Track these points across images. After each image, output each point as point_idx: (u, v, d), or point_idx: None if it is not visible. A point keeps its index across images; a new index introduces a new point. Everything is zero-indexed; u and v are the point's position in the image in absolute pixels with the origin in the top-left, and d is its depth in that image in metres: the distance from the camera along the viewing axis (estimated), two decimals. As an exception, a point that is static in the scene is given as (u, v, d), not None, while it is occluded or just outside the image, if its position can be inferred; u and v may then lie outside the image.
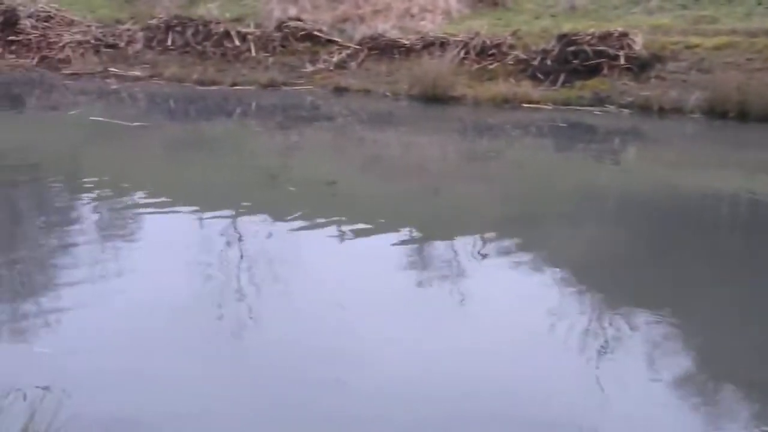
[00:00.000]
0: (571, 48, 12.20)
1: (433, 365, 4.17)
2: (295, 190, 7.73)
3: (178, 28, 14.45)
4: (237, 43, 14.13)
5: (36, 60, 14.76)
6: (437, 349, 4.35)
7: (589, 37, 12.18)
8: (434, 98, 12.05)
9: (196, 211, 7.04)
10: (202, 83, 13.46)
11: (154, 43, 14.50)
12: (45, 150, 9.49)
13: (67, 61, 14.52)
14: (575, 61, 12.11)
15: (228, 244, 6.17)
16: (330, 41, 14.02)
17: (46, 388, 3.28)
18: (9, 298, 5.06)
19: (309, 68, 13.58)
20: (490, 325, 4.70)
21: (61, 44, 14.73)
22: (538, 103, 11.73)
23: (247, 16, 14.92)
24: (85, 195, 7.45)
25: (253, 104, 12.57)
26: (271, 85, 13.31)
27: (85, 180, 7.97)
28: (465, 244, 6.17)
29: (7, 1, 15.40)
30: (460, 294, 5.23)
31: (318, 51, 13.91)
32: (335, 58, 13.61)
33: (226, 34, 14.23)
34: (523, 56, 12.62)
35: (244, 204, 7.18)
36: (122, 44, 14.58)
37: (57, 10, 15.40)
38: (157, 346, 4.39)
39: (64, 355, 4.16)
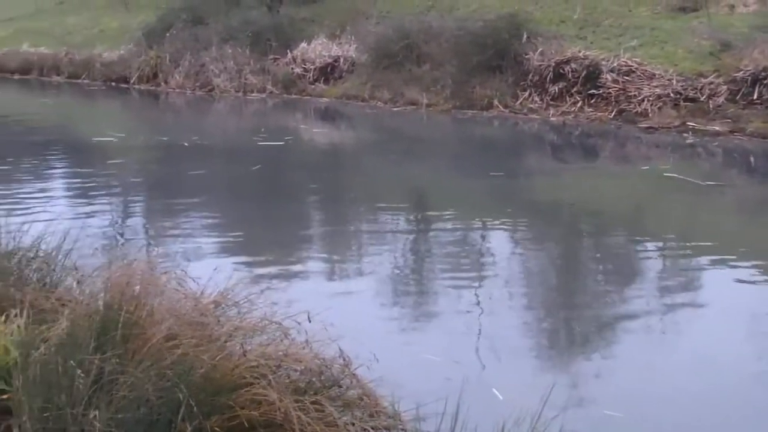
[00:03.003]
0: None
1: None
2: None
3: (767, 81, 14.01)
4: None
5: (613, 113, 15.66)
6: None
7: None
8: None
9: (765, 277, 6.79)
10: (792, 140, 12.86)
11: (737, 97, 14.28)
12: (610, 202, 10.07)
13: (644, 114, 15.13)
14: None
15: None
16: None
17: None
18: (572, 352, 5.50)
19: None
20: None
21: (639, 98, 15.41)
22: None
23: None
24: (645, 250, 7.75)
25: None
26: None
27: (648, 236, 8.26)
28: None
29: (591, 55, 16.62)
30: None
31: None
32: None
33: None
34: None
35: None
36: (702, 98, 14.67)
37: (638, 64, 16.16)
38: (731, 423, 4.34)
39: (637, 421, 4.33)
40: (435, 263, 7.62)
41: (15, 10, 35.62)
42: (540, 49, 16.98)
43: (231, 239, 8.33)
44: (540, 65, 16.77)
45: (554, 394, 4.15)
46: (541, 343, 5.68)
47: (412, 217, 9.51)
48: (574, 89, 16.31)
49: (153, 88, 23.28)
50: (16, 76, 28.18)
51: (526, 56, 17.04)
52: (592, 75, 16.24)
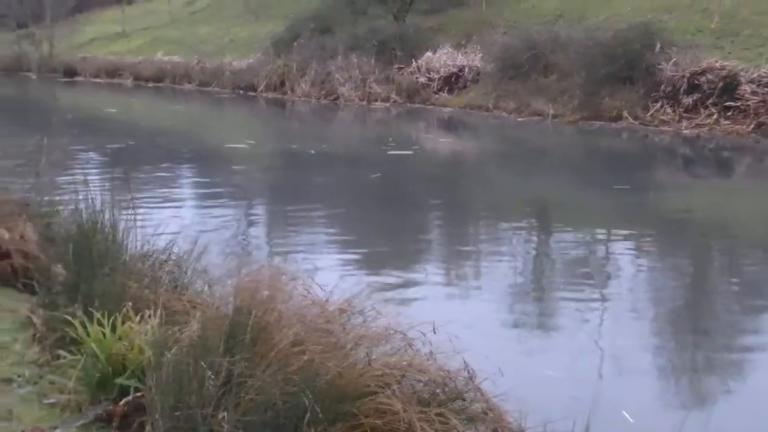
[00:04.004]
0: None
1: None
2: None
3: None
4: None
5: (751, 126, 15.03)
6: None
7: None
8: None
9: None
10: None
11: None
12: (745, 220, 9.69)
13: (786, 127, 14.47)
14: None
15: None
16: None
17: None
18: (702, 375, 5.29)
19: None
20: None
21: (783, 111, 14.75)
22: None
23: None
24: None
25: None
26: None
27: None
28: None
29: (729, 66, 16.00)
30: None
31: None
32: None
33: None
34: None
35: None
36: None
37: (779, 74, 15.46)
38: None
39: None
40: (556, 278, 7.50)
41: (150, 20, 37.35)
42: (674, 60, 16.50)
43: (357, 248, 8.43)
44: (673, 76, 16.28)
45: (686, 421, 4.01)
46: (668, 365, 5.48)
47: (533, 230, 9.40)
48: (710, 101, 15.76)
49: (279, 96, 23.91)
50: (150, 84, 29.52)
51: (659, 66, 16.58)
52: (730, 86, 15.64)
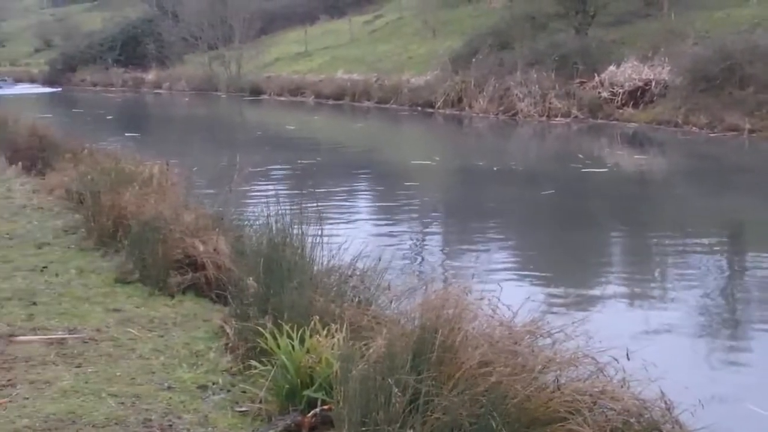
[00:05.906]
0: None
1: None
2: None
3: None
4: None
5: None
6: None
7: None
8: None
9: None
10: None
11: None
12: None
13: None
14: None
15: None
16: None
17: None
18: None
19: None
20: None
21: None
22: None
23: None
24: None
25: None
26: None
27: None
28: None
29: None
30: None
31: None
32: None
33: None
34: None
35: None
36: None
37: None
38: None
39: None
40: (754, 304, 7.07)
41: (331, 39, 38.59)
42: None
43: (544, 267, 8.32)
44: None
45: None
46: None
47: (727, 252, 8.91)
48: None
49: (457, 112, 23.99)
50: (330, 102, 30.42)
51: None
52: None
